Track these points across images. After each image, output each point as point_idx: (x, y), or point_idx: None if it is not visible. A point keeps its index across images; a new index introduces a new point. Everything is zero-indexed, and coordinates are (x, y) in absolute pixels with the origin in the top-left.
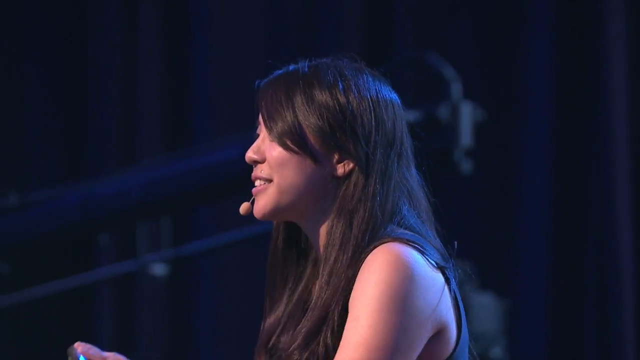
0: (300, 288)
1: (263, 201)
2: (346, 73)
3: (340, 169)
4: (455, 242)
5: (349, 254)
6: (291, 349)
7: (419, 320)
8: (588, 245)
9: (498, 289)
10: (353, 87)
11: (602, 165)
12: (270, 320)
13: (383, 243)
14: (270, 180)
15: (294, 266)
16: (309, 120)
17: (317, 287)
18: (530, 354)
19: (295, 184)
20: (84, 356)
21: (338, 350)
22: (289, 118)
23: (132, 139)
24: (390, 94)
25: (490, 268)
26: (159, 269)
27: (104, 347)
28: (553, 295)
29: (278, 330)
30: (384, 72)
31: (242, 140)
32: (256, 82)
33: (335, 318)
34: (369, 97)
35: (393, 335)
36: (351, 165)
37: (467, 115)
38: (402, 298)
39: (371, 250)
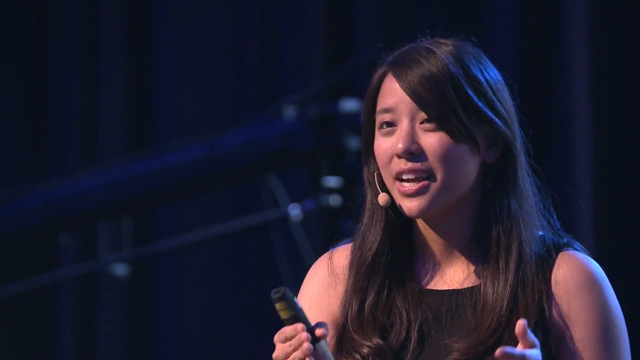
0: (429, 283)
1: (425, 201)
2: (482, 60)
3: (490, 156)
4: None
5: (516, 251)
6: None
7: None
8: None
9: None
10: (495, 76)
11: (564, 165)
12: (369, 303)
13: (569, 249)
14: (431, 174)
15: (398, 258)
16: (469, 108)
17: (481, 286)
18: None
19: (459, 177)
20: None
21: None
22: (454, 106)
23: (94, 140)
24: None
25: None
26: (120, 270)
27: (66, 349)
28: None
29: (399, 322)
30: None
31: (204, 141)
32: (382, 59)
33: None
34: (504, 87)
35: (629, 352)
36: (500, 151)
37: None
38: (622, 316)
39: (556, 256)
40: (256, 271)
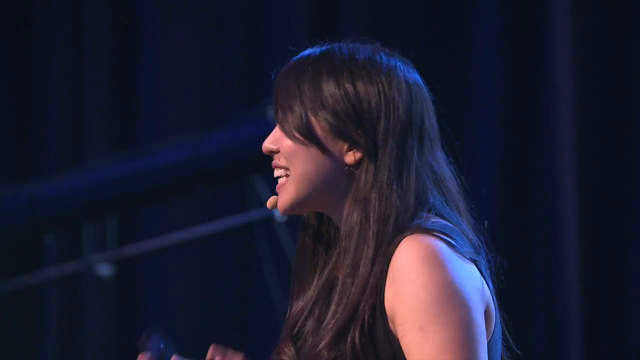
0: (325, 275)
1: (283, 197)
2: (357, 55)
3: (349, 158)
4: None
5: (373, 246)
6: (320, 347)
7: (477, 305)
8: (534, 238)
9: None
10: (362, 70)
11: (548, 166)
12: (297, 307)
13: (409, 234)
14: (287, 169)
15: (322, 253)
16: (315, 110)
17: (340, 279)
18: None
19: (308, 174)
20: (160, 339)
21: None
22: (296, 109)
23: (79, 139)
24: (407, 74)
25: None
26: (104, 270)
27: (50, 349)
28: (499, 298)
29: (304, 316)
30: None
31: (189, 141)
32: (273, 71)
33: (366, 317)
34: (379, 80)
35: (466, 330)
36: (360, 154)
37: None
38: (456, 291)
39: (397, 243)
40: (241, 271)
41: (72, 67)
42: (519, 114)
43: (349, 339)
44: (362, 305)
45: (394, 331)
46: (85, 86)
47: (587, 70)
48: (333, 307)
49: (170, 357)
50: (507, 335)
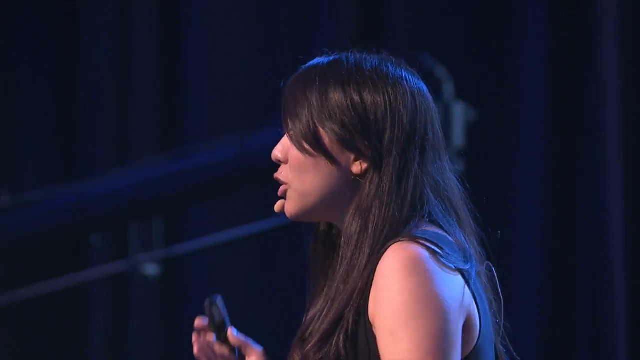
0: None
1: (289, 204)
2: (364, 65)
3: (356, 168)
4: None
5: (366, 254)
6: (307, 348)
7: (454, 315)
8: (581, 245)
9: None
10: (369, 80)
11: (595, 164)
12: (310, 314)
13: (396, 242)
14: (286, 184)
15: (334, 260)
16: (322, 121)
17: (334, 286)
18: (522, 353)
19: (314, 186)
20: (223, 306)
21: None
22: (304, 118)
23: (125, 139)
24: (413, 84)
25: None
26: (151, 269)
27: (96, 348)
28: (545, 296)
29: (314, 321)
30: None
31: (234, 141)
32: (282, 80)
33: (350, 321)
34: (386, 90)
35: (436, 339)
36: (366, 164)
37: (459, 115)
38: (430, 299)
39: (385, 250)
40: (286, 271)
41: (118, 67)
42: (565, 120)
43: (334, 342)
44: (348, 309)
45: (374, 335)
46: (131, 85)
47: (635, 75)
48: (325, 310)
49: (228, 326)
50: (507, 342)
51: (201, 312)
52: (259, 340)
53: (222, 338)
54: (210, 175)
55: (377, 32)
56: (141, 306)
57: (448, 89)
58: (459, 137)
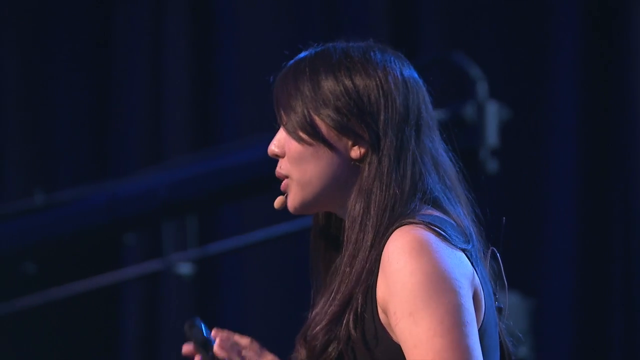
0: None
1: (291, 197)
2: (352, 53)
3: (355, 153)
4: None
5: (371, 235)
6: (316, 330)
7: (466, 291)
8: (615, 244)
9: (524, 289)
10: (359, 66)
11: (630, 163)
12: (315, 308)
13: (401, 226)
14: (288, 177)
15: (335, 253)
16: (317, 109)
17: (340, 269)
18: (556, 353)
19: (315, 175)
20: (203, 326)
21: (408, 352)
22: (298, 109)
23: (158, 139)
24: (402, 67)
25: (517, 268)
26: (185, 269)
27: (130, 347)
28: (579, 295)
29: (319, 314)
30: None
31: (268, 140)
32: (271, 77)
33: (359, 302)
34: (376, 74)
35: (454, 314)
36: (364, 148)
37: (493, 114)
38: (443, 277)
39: (390, 234)
40: None
41: (152, 67)
42: (598, 119)
43: (344, 323)
44: (357, 290)
45: (381, 319)
46: (165, 86)
47: None
48: (332, 294)
49: (213, 346)
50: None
51: (234, 311)
52: (293, 339)
53: (211, 356)
54: (244, 175)
55: (412, 33)
56: (175, 305)
57: (482, 88)
58: (492, 136)
